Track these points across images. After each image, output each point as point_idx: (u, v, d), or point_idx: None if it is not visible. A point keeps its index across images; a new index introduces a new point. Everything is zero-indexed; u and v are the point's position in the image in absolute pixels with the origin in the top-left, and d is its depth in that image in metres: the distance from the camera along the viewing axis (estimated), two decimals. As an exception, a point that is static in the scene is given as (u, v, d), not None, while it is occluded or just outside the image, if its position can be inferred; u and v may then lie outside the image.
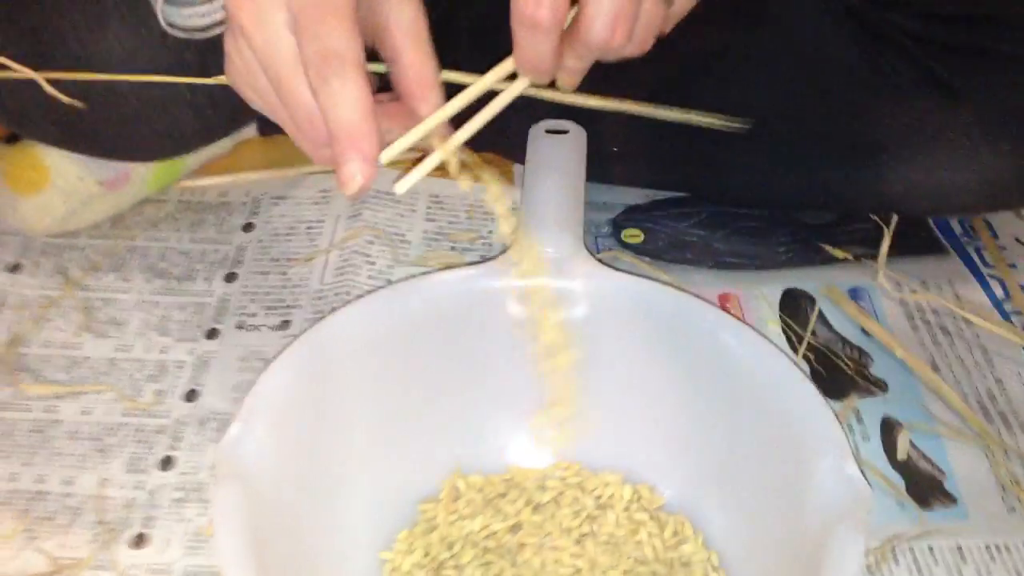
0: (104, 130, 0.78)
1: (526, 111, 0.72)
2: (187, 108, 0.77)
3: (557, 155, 0.70)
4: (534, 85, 0.53)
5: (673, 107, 0.58)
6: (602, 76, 0.54)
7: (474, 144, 0.84)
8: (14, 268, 0.84)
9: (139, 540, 0.67)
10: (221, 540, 0.52)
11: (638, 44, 0.52)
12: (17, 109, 0.77)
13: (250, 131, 0.94)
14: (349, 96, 0.49)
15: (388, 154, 0.51)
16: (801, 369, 0.61)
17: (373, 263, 0.84)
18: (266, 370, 0.60)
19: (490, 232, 0.87)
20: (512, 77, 0.53)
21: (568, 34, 0.50)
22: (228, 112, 0.80)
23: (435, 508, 0.66)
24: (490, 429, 0.69)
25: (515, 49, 0.51)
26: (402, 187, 0.53)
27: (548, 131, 0.72)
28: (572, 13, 0.49)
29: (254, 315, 0.81)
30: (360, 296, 0.67)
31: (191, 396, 0.76)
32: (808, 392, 0.59)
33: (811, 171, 0.82)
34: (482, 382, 0.68)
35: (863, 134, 0.80)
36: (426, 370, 0.67)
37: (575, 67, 0.52)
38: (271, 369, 0.60)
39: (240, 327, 0.80)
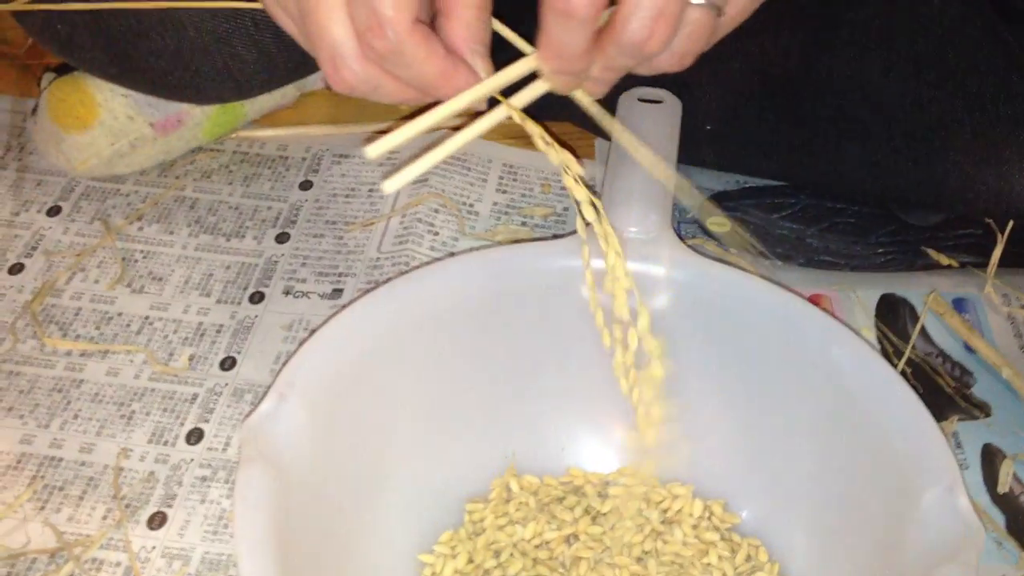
0: (158, 63, 0.73)
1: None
2: (251, 45, 0.73)
3: (649, 126, 0.66)
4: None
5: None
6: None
7: (554, 114, 0.78)
8: (52, 211, 0.80)
9: (157, 519, 0.63)
10: (240, 528, 0.48)
11: (678, 56, 0.47)
12: (67, 33, 0.73)
13: (317, 83, 0.90)
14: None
15: (374, 150, 0.46)
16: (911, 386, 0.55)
17: (437, 233, 0.79)
18: (308, 341, 0.55)
19: (565, 209, 0.83)
20: (532, 78, 0.48)
21: (600, 34, 0.45)
22: (295, 56, 0.75)
23: (483, 509, 0.61)
24: (550, 425, 0.64)
25: (541, 43, 0.45)
26: (391, 185, 0.47)
27: (640, 99, 0.67)
28: (607, 14, 0.44)
29: (304, 280, 0.76)
30: (418, 266, 0.61)
31: (228, 364, 0.71)
32: (918, 413, 0.54)
33: (929, 164, 0.76)
34: (545, 372, 0.63)
35: (989, 126, 0.74)
36: (483, 354, 0.62)
37: (603, 75, 0.47)
38: (314, 340, 0.55)
39: (288, 293, 0.75)
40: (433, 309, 0.59)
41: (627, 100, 0.67)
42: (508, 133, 0.87)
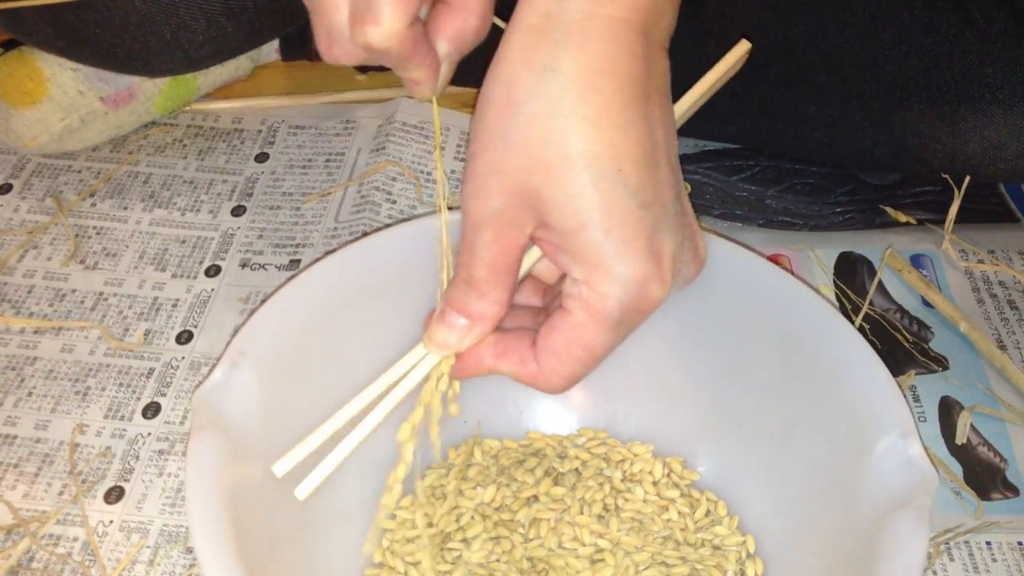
0: (104, 34, 0.72)
1: None
2: (198, 15, 0.72)
3: None
4: None
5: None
6: None
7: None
8: (3, 188, 0.80)
9: (114, 494, 0.62)
10: (191, 497, 0.47)
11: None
12: (11, 8, 0.72)
13: (271, 54, 0.89)
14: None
15: (282, 466, 0.48)
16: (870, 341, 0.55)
17: (395, 202, 0.78)
18: (259, 309, 0.55)
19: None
20: None
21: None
22: (245, 26, 0.75)
23: (444, 475, 0.61)
24: (508, 390, 0.63)
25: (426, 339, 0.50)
26: (303, 492, 0.48)
27: None
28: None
29: (260, 252, 0.76)
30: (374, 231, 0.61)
31: (184, 338, 0.70)
32: (871, 363, 0.54)
33: (883, 123, 0.77)
34: None
35: (944, 85, 0.74)
36: None
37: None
38: (265, 308, 0.55)
39: (244, 265, 0.75)
40: (385, 275, 0.59)
41: None
42: (467, 101, 0.86)
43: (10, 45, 0.80)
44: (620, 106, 0.43)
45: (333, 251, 0.58)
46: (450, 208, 0.54)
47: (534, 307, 0.52)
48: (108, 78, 0.79)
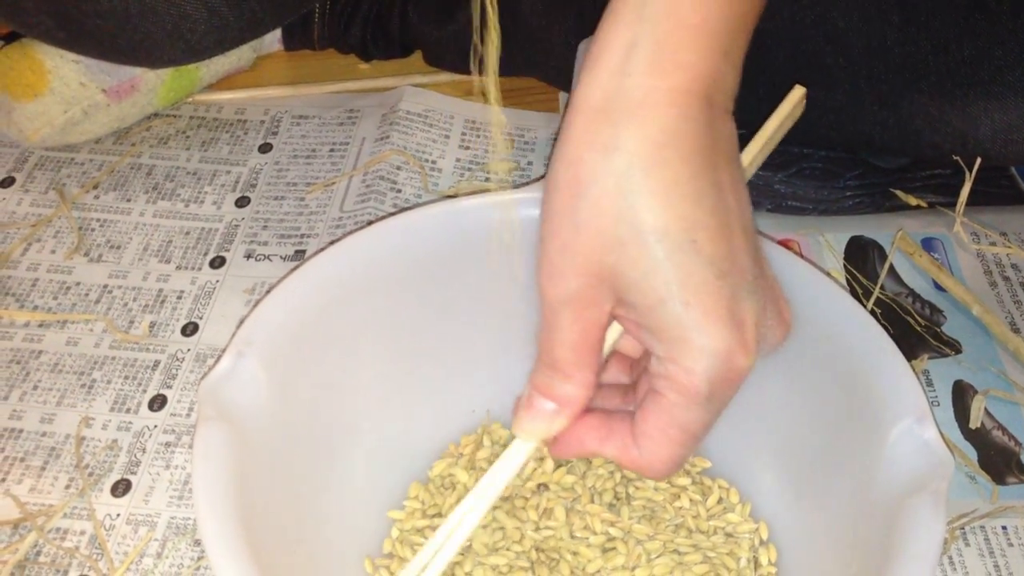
0: (105, 25, 0.71)
1: (575, 32, 0.65)
2: (199, 5, 0.71)
3: None
4: None
5: None
6: None
7: (512, 69, 0.77)
8: (6, 182, 0.79)
9: (121, 487, 0.62)
10: (198, 487, 0.47)
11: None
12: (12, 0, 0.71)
13: (274, 44, 0.89)
14: None
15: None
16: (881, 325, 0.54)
17: (399, 191, 0.78)
18: (265, 298, 0.54)
19: (529, 163, 0.81)
20: None
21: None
22: (247, 15, 0.74)
23: (453, 464, 0.61)
24: (516, 378, 0.62)
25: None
26: None
27: None
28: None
29: (265, 243, 0.75)
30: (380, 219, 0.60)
31: (190, 330, 0.70)
32: (885, 348, 0.53)
33: (892, 107, 0.76)
34: (512, 324, 0.61)
35: (954, 68, 0.73)
36: (449, 307, 0.61)
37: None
38: (271, 297, 0.54)
39: (249, 256, 0.74)
40: (392, 263, 0.58)
41: (584, 48, 0.66)
42: (470, 89, 0.86)
43: (11, 38, 0.79)
44: (688, 177, 0.42)
45: (338, 240, 0.58)
46: (453, 196, 0.54)
47: (622, 385, 0.52)
48: (110, 70, 0.78)
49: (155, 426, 0.65)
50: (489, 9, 0.49)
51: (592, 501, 0.58)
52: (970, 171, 0.76)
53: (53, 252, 0.74)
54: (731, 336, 0.43)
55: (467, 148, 0.82)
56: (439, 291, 0.60)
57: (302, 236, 0.76)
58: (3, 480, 0.62)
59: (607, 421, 0.47)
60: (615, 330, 0.47)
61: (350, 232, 0.71)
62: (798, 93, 0.52)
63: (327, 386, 0.56)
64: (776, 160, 0.83)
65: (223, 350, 0.52)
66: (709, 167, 0.43)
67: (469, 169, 0.81)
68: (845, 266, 0.76)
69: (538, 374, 0.47)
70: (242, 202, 0.78)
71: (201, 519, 0.46)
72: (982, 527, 0.63)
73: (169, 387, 0.67)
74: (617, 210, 0.42)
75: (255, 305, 0.54)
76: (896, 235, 0.77)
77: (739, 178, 0.46)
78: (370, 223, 0.73)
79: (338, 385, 0.57)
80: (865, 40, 0.74)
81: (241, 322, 0.53)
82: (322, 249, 0.57)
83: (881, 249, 0.77)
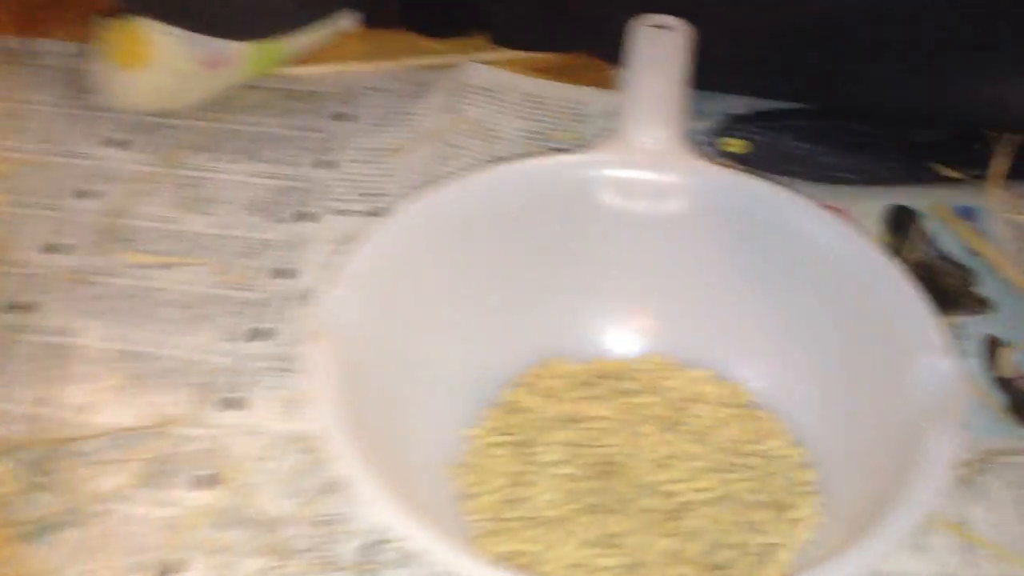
0: (202, 2, 0.79)
1: (626, 8, 0.70)
2: None
3: (659, 50, 0.69)
4: None
5: None
6: None
7: (567, 45, 0.81)
8: (116, 143, 0.85)
9: (232, 403, 0.68)
10: (319, 392, 0.53)
11: None
12: None
13: (352, 22, 0.94)
14: None
15: None
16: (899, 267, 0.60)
17: (467, 158, 0.84)
18: (362, 241, 0.61)
19: (593, 136, 0.86)
20: None
21: None
22: None
23: (520, 390, 0.66)
24: (577, 319, 0.68)
25: None
26: None
27: (652, 26, 0.71)
28: None
29: (349, 201, 0.81)
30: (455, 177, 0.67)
31: (283, 274, 0.76)
32: (905, 289, 0.59)
33: (938, 80, 0.79)
34: (571, 271, 0.68)
35: (996, 39, 0.76)
36: (515, 256, 0.67)
37: None
38: (367, 242, 0.61)
39: (334, 212, 0.80)
40: (469, 215, 0.64)
41: (638, 26, 0.70)
42: (532, 65, 0.92)
43: (117, 13, 0.84)
44: None
45: (426, 192, 0.64)
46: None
47: None
48: (205, 42, 0.84)
49: (259, 354, 0.70)
50: None
51: (648, 424, 0.63)
52: (1007, 144, 0.80)
53: (159, 206, 0.80)
54: None
55: (523, 118, 0.88)
56: (508, 241, 0.66)
57: (382, 195, 0.82)
58: (129, 395, 0.67)
59: None
60: None
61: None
62: None
63: (410, 320, 0.62)
64: (819, 132, 0.86)
65: (331, 283, 0.58)
66: None
67: (533, 138, 0.86)
68: (885, 233, 0.79)
69: None
70: (324, 164, 0.84)
71: (324, 423, 0.52)
72: (1010, 463, 0.66)
73: (270, 322, 0.73)
74: None
75: (356, 246, 0.61)
76: (933, 205, 0.81)
77: None
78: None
79: (425, 317, 0.63)
80: (900, 10, 0.76)
81: (332, 269, 0.60)
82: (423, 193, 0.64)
83: (917, 217, 0.80)
